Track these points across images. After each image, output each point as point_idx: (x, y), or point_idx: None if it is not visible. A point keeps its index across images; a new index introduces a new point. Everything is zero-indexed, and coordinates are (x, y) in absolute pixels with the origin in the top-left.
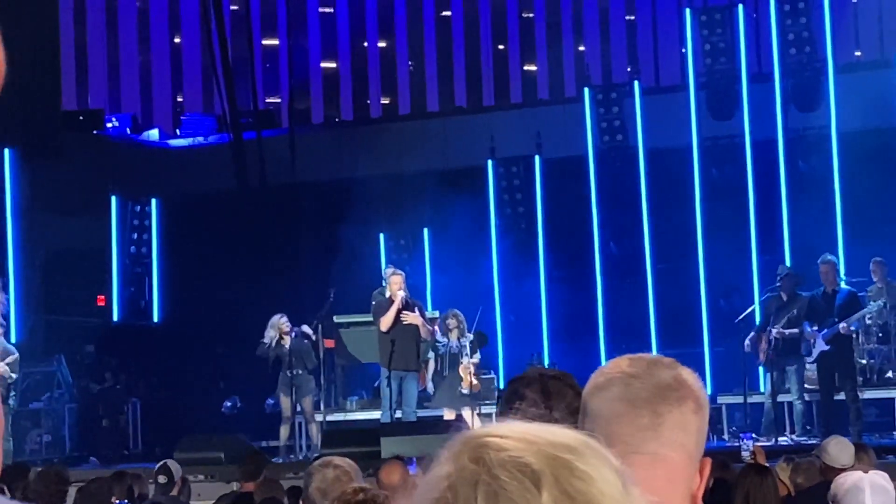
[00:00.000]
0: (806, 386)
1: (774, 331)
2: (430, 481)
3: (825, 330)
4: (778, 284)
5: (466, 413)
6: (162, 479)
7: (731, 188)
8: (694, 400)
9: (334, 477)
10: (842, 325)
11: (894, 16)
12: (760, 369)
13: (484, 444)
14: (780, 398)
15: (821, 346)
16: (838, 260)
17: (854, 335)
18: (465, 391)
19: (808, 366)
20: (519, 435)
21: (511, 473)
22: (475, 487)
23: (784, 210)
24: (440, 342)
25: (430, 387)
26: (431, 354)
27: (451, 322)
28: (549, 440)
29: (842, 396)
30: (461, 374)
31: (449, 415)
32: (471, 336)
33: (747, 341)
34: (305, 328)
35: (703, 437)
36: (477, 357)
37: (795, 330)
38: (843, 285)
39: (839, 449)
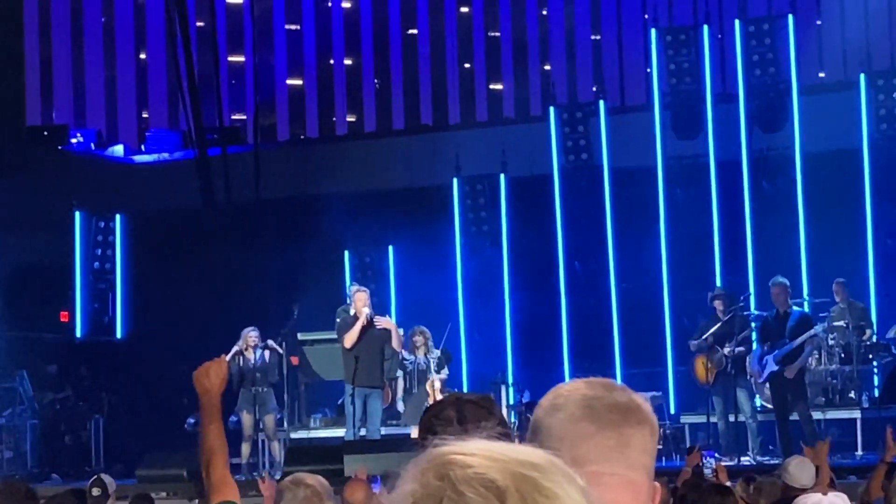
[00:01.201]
0: (764, 405)
1: (725, 350)
2: (396, 500)
3: (776, 351)
4: (712, 305)
5: None
6: (96, 491)
7: (695, 208)
8: (650, 424)
9: (304, 497)
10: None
11: (858, 38)
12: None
13: (449, 462)
14: (736, 418)
15: (771, 366)
16: (801, 280)
17: (812, 359)
18: None
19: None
20: (485, 452)
21: (476, 490)
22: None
23: (748, 230)
24: (407, 359)
25: (399, 405)
26: (400, 373)
27: (418, 339)
28: (515, 458)
29: (795, 417)
30: (428, 390)
31: (416, 432)
32: (437, 353)
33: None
34: (270, 342)
35: (654, 458)
36: (444, 373)
37: (743, 349)
38: (794, 308)
39: (800, 469)
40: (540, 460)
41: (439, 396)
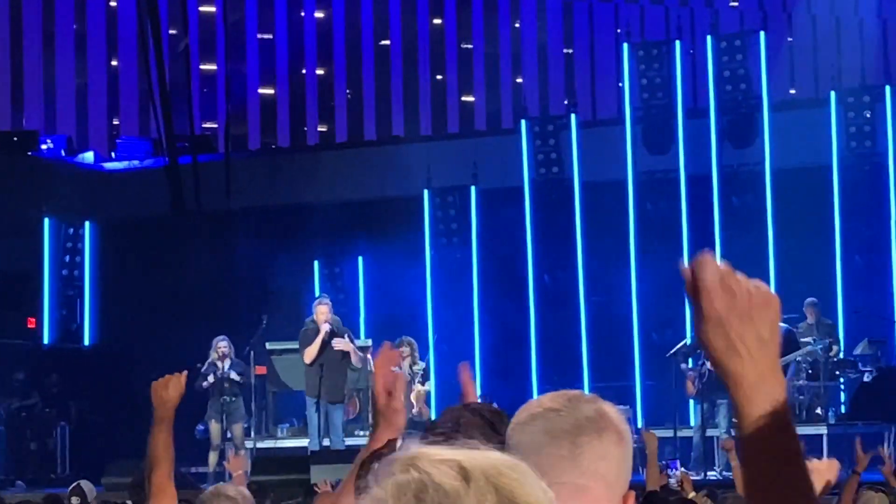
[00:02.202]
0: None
1: (708, 364)
2: (369, 496)
3: None
4: None
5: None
6: (75, 500)
7: (665, 222)
8: (615, 431)
9: None
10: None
11: (829, 55)
12: (691, 403)
13: (416, 456)
14: (710, 432)
15: None
16: None
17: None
18: (415, 418)
19: None
20: (454, 450)
21: (440, 469)
22: (406, 487)
23: (717, 245)
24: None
25: (369, 417)
26: (366, 384)
27: (405, 350)
28: (484, 455)
29: None
30: (412, 400)
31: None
32: (423, 364)
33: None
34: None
35: (627, 468)
36: (429, 384)
37: None
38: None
39: None
40: (510, 461)
41: (424, 407)
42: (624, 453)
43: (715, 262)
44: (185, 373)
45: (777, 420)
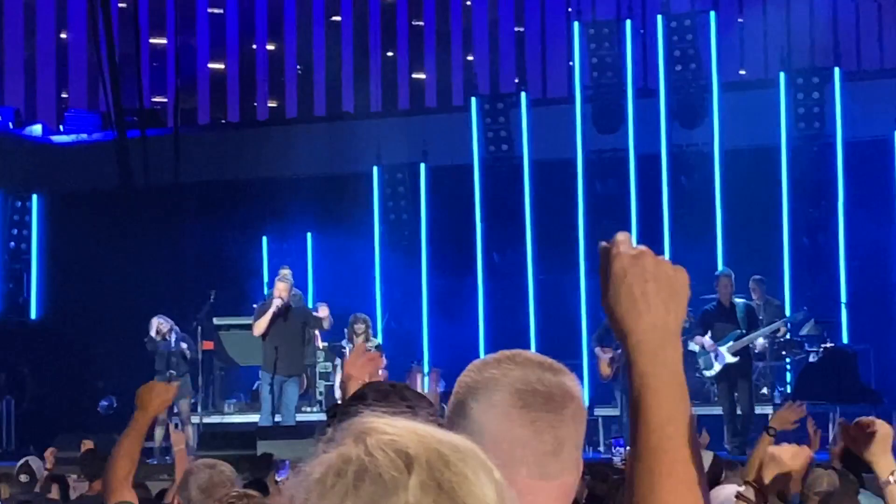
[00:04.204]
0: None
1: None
2: (316, 463)
3: (728, 342)
4: None
5: None
6: (24, 478)
7: (614, 201)
8: (580, 409)
9: (217, 479)
10: (759, 340)
11: (779, 36)
12: None
13: (369, 429)
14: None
15: (724, 359)
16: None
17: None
18: None
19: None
20: (407, 426)
21: (385, 454)
22: (348, 464)
23: (665, 225)
24: (346, 347)
25: (317, 394)
26: (339, 360)
27: (360, 326)
28: (436, 436)
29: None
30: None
31: None
32: (376, 341)
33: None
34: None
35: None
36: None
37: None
38: (737, 299)
39: (708, 464)
40: (460, 443)
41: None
42: (584, 432)
43: (630, 239)
44: (175, 384)
45: (674, 388)
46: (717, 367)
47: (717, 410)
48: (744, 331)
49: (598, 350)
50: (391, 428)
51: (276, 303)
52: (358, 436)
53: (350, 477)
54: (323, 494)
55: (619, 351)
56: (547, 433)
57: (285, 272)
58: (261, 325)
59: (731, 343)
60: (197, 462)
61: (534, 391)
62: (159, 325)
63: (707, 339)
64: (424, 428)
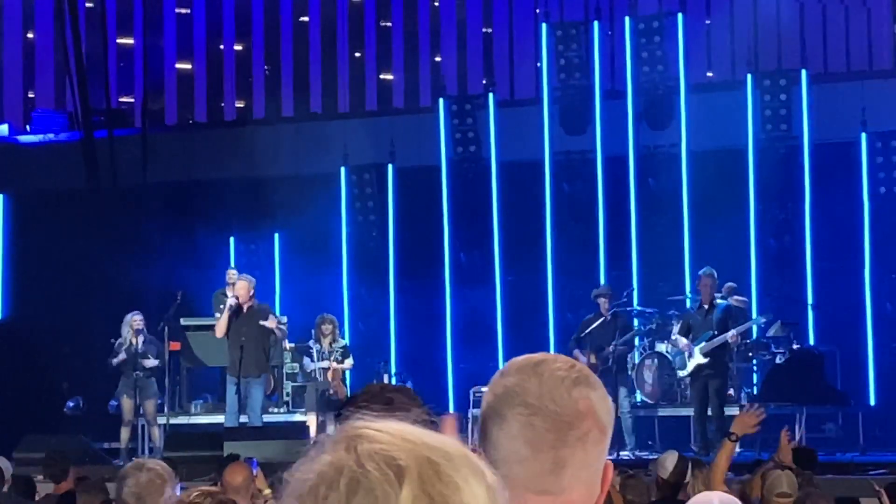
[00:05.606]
0: (646, 401)
1: (610, 348)
2: (308, 468)
3: (702, 343)
4: (596, 302)
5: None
6: None
7: (581, 203)
8: (597, 429)
9: (148, 480)
10: (730, 333)
11: (746, 38)
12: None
13: (360, 436)
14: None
15: (697, 358)
16: (684, 277)
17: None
18: (332, 396)
19: (649, 380)
20: (398, 433)
21: (377, 465)
22: (340, 474)
23: (633, 226)
24: (313, 347)
25: (284, 395)
26: (307, 360)
27: (327, 327)
28: (426, 443)
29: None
30: (329, 377)
31: (311, 421)
32: (343, 342)
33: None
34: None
35: (605, 453)
36: (349, 362)
37: (625, 347)
38: (719, 300)
39: (674, 463)
40: (451, 449)
41: (340, 385)
42: (605, 443)
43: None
44: None
45: None
46: (690, 366)
47: (686, 411)
48: (716, 332)
49: (576, 353)
50: (382, 435)
51: (230, 302)
52: (349, 442)
53: (342, 490)
54: None
55: (604, 354)
56: (546, 453)
57: (246, 278)
58: (220, 326)
59: (703, 344)
60: (126, 466)
61: (540, 409)
62: (137, 321)
63: (683, 340)
64: (415, 433)
